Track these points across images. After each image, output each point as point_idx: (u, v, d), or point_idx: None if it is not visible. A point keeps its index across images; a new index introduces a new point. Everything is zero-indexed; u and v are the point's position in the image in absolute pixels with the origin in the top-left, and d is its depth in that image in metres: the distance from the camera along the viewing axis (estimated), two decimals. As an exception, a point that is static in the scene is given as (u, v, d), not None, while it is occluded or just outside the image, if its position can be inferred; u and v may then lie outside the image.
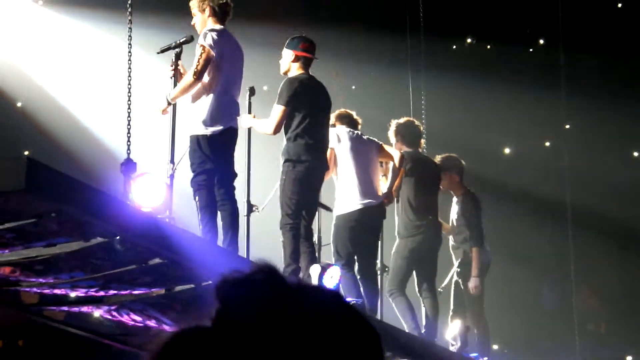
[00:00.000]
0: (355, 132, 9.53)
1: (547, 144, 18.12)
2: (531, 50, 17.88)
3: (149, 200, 6.94)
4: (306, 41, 8.67)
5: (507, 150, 18.30)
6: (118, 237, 5.98)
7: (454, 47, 17.62)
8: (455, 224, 11.02)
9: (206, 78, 7.90)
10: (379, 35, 14.62)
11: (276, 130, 8.42)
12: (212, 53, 7.86)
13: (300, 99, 8.38)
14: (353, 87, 14.49)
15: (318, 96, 8.60)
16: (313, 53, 8.68)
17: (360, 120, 9.75)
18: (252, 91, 8.69)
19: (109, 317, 7.68)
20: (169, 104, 7.93)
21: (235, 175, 8.01)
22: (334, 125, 9.44)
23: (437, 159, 10.94)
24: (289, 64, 8.61)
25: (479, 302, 10.93)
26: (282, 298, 1.45)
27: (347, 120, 9.64)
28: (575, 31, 16.50)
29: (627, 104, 16.82)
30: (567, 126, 17.51)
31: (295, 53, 8.58)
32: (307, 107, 8.41)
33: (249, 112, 8.66)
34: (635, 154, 18.42)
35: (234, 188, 7.98)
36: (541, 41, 17.95)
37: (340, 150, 9.33)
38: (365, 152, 9.46)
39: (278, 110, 8.39)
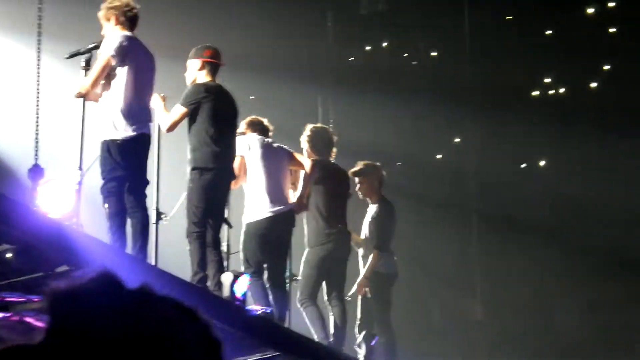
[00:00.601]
0: (266, 139, 9.58)
1: (439, 156, 18.42)
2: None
3: (57, 206, 6.91)
4: (211, 49, 8.74)
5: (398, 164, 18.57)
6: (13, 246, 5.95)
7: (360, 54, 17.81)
8: (367, 229, 11.12)
9: (115, 83, 7.91)
10: (285, 41, 14.72)
11: (171, 129, 8.47)
12: (112, 60, 7.88)
13: (205, 105, 8.41)
14: (251, 97, 14.47)
15: (225, 104, 8.64)
16: (219, 60, 8.74)
17: (271, 127, 9.81)
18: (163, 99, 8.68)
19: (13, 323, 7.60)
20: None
21: (146, 182, 8.02)
22: (244, 133, 9.49)
23: (360, 165, 11.08)
24: (195, 72, 8.66)
25: (386, 310, 11.02)
26: (119, 308, 1.40)
27: (259, 127, 9.68)
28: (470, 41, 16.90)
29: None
30: (457, 139, 17.93)
31: (201, 60, 8.64)
32: (213, 115, 8.44)
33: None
34: (523, 165, 18.86)
35: (145, 196, 7.99)
36: (433, 53, 18.29)
37: (250, 158, 9.38)
38: (276, 160, 9.51)
39: (178, 110, 8.44)
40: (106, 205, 7.78)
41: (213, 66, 8.67)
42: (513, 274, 17.38)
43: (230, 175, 8.68)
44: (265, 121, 9.81)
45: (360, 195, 11.12)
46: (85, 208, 7.58)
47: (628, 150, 17.56)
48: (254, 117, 9.81)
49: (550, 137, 18.17)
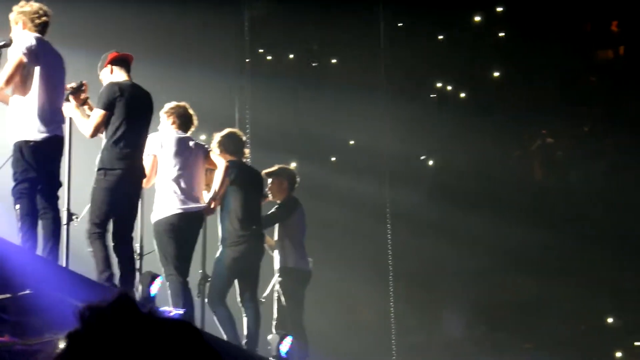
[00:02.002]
0: (184, 136, 9.63)
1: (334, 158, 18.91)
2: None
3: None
4: (112, 51, 8.86)
5: (333, 159, 18.94)
6: None
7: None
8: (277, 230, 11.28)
9: (27, 85, 7.99)
10: (207, 43, 14.87)
11: (94, 134, 8.55)
12: (24, 59, 7.96)
13: (119, 104, 8.52)
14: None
15: (139, 102, 8.74)
16: (126, 55, 8.87)
17: (195, 120, 9.78)
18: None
19: None
20: None
21: (59, 184, 8.12)
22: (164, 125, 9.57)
23: (274, 167, 11.27)
24: (109, 78, 8.76)
25: (299, 310, 11.17)
26: (134, 327, 1.56)
27: (183, 119, 9.67)
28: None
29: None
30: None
31: (109, 59, 8.76)
32: (125, 114, 8.54)
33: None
34: (430, 162, 19.47)
35: (57, 197, 8.10)
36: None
37: (163, 156, 9.42)
38: (191, 158, 9.57)
39: (97, 113, 8.54)
40: (17, 207, 7.85)
41: (122, 64, 8.77)
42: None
43: (140, 176, 8.73)
44: (190, 110, 9.75)
45: (270, 195, 11.28)
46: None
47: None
48: (180, 104, 9.76)
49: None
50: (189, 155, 9.56)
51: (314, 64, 18.62)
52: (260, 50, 17.12)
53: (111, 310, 1.58)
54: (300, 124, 17.32)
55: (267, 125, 15.01)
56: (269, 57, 17.48)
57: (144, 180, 9.05)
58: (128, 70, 8.81)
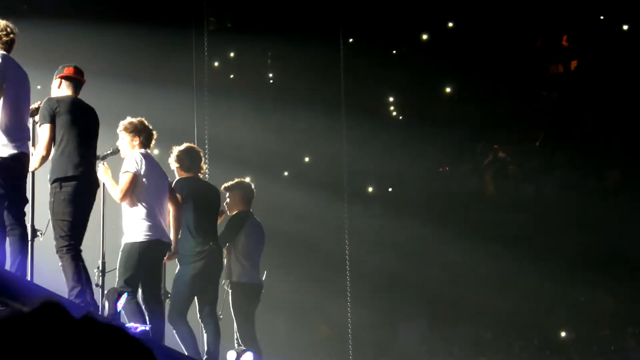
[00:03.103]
0: (149, 155, 9.79)
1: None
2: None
3: None
4: (71, 66, 9.01)
5: (285, 173, 19.21)
6: None
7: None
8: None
9: None
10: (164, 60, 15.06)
11: (48, 150, 8.62)
12: None
13: (61, 117, 8.63)
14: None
15: (82, 115, 8.85)
16: (80, 76, 9.01)
17: (155, 134, 9.90)
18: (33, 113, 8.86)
19: None
20: None
21: (26, 200, 8.27)
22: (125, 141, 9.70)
23: (231, 182, 11.45)
24: (55, 91, 8.93)
25: (248, 325, 11.19)
26: (65, 335, 1.48)
27: (144, 134, 9.76)
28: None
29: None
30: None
31: (59, 77, 8.94)
32: (70, 125, 8.64)
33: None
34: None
35: (24, 213, 8.27)
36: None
37: (138, 176, 9.55)
38: (159, 180, 9.76)
39: (43, 130, 8.62)
40: (-15, 223, 7.99)
41: (72, 82, 8.92)
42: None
43: (93, 185, 8.84)
44: (149, 125, 9.85)
45: (227, 211, 11.40)
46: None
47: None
48: (137, 120, 9.83)
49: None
50: (158, 177, 9.74)
51: (270, 80, 18.95)
52: (216, 64, 17.40)
53: (32, 315, 1.49)
54: (257, 139, 17.56)
55: (225, 140, 15.20)
56: (228, 73, 17.76)
57: (119, 195, 9.30)
58: (76, 90, 8.93)
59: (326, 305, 18.07)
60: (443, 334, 19.34)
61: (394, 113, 20.92)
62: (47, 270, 8.77)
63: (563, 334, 19.30)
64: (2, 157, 8.10)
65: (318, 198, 17.98)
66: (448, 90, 21.21)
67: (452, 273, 18.75)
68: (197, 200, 10.50)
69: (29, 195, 8.63)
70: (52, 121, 8.62)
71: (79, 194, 8.61)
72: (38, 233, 8.67)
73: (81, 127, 8.79)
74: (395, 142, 19.89)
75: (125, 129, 9.76)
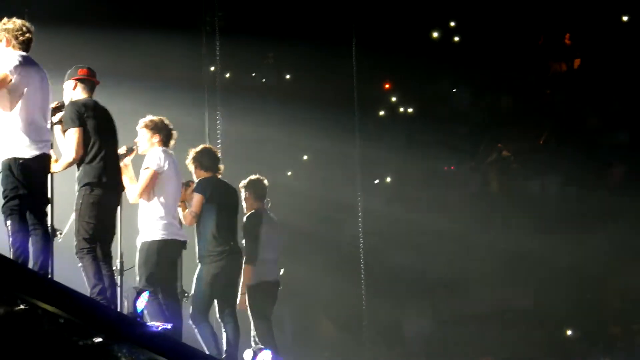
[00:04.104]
0: (170, 153, 9.91)
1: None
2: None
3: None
4: (85, 68, 9.10)
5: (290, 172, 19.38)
6: None
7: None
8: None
9: (13, 103, 8.23)
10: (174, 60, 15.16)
11: (78, 153, 8.74)
12: (8, 77, 8.19)
13: (88, 121, 8.77)
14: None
15: (104, 119, 9.00)
16: (93, 77, 9.10)
17: (175, 133, 10.04)
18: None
19: None
20: None
21: (47, 201, 8.38)
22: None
23: (246, 180, 11.57)
24: (70, 93, 9.02)
25: (265, 323, 11.30)
26: None
27: (165, 132, 9.95)
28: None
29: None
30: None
31: (74, 79, 9.02)
32: (95, 130, 8.80)
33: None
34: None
35: (45, 213, 8.37)
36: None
37: (158, 174, 9.70)
38: (177, 180, 9.94)
39: (73, 133, 8.74)
40: (8, 223, 8.10)
41: (88, 84, 9.01)
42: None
43: (120, 190, 9.04)
44: (170, 124, 10.00)
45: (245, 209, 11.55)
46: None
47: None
48: (158, 118, 10.01)
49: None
50: (177, 176, 9.91)
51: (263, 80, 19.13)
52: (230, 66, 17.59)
53: None
54: (269, 136, 17.72)
55: (236, 139, 15.34)
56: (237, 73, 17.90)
57: (138, 191, 9.47)
58: (91, 92, 9.03)
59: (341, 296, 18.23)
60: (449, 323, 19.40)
61: (396, 110, 20.98)
62: (66, 269, 8.87)
63: (569, 332, 19.36)
64: (24, 158, 8.15)
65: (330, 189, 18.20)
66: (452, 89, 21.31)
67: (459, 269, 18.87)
68: (220, 200, 10.63)
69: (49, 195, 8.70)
70: (82, 124, 8.73)
71: (107, 198, 8.78)
72: (57, 233, 8.77)
73: (107, 130, 8.95)
74: (402, 138, 20.01)
75: (146, 126, 9.94)
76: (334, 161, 18.92)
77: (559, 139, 21.13)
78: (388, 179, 20.65)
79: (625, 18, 20.44)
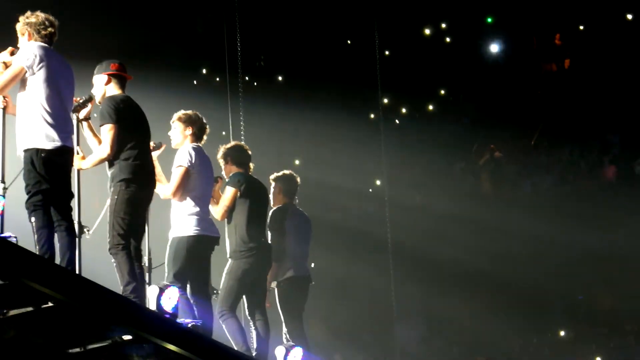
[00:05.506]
0: (201, 149, 9.69)
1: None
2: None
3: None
4: (116, 62, 8.81)
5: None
6: None
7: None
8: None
9: (36, 95, 7.94)
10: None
11: (112, 150, 8.45)
12: (25, 70, 7.95)
13: (125, 118, 8.49)
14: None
15: (140, 116, 8.75)
16: (125, 72, 8.84)
17: (208, 128, 9.86)
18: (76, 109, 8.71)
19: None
20: None
21: (72, 195, 8.08)
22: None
23: (277, 174, 11.35)
24: (103, 88, 8.71)
25: (296, 319, 11.11)
26: None
27: (198, 124, 9.76)
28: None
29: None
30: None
31: (107, 74, 8.73)
32: (132, 126, 8.54)
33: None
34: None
35: (70, 209, 8.03)
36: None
37: (190, 171, 9.50)
38: (209, 175, 9.71)
39: (109, 130, 8.45)
40: (33, 219, 7.75)
41: (120, 79, 8.75)
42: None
43: (153, 187, 8.75)
44: (204, 119, 9.83)
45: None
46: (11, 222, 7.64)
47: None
48: (192, 111, 9.85)
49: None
50: (209, 172, 9.72)
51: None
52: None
53: None
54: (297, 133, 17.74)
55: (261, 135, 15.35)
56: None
57: (170, 192, 9.29)
58: (123, 87, 8.78)
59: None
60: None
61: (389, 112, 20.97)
62: (95, 266, 8.63)
63: (562, 333, 19.40)
64: (46, 150, 7.81)
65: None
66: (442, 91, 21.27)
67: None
68: (253, 196, 10.44)
69: (74, 190, 8.34)
70: (118, 121, 8.42)
71: (141, 194, 8.50)
72: (85, 230, 8.46)
73: (142, 127, 8.69)
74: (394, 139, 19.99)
75: (179, 119, 9.71)
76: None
77: (551, 139, 21.18)
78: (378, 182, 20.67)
79: (618, 18, 20.48)
